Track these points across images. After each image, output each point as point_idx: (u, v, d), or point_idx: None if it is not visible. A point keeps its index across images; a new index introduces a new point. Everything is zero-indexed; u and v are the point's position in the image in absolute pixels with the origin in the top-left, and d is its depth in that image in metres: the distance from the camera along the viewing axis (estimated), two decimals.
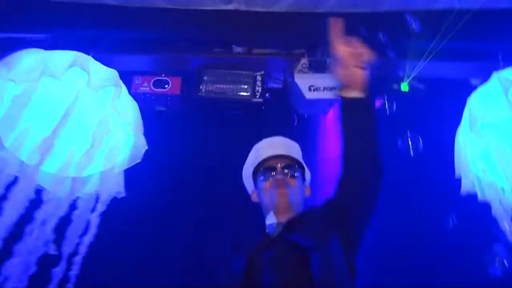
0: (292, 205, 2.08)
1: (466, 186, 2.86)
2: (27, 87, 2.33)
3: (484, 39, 3.40)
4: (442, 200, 3.08)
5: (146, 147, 2.73)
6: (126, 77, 3.02)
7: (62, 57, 2.45)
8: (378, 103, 3.40)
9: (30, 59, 2.41)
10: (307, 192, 2.28)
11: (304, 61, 3.03)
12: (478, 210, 2.80)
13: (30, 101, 2.32)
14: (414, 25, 2.99)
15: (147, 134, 2.78)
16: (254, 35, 3.25)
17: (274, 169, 2.16)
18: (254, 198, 2.29)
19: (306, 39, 3.23)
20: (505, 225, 2.56)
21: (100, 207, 2.59)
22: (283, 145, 2.32)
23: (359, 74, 1.78)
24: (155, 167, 2.97)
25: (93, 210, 2.60)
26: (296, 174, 2.17)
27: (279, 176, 2.12)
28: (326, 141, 3.45)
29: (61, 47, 2.69)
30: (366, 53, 1.80)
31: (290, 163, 2.20)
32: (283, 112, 3.30)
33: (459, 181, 2.84)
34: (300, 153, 2.36)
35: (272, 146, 2.30)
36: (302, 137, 3.13)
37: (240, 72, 3.05)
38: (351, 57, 1.75)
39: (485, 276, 2.40)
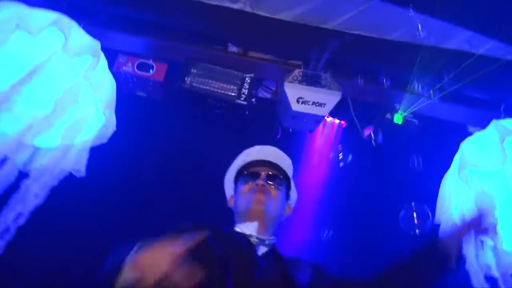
0: (267, 216, 1.90)
1: (444, 233, 2.69)
2: None
3: (489, 87, 3.29)
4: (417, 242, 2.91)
5: (115, 129, 2.56)
6: (112, 55, 2.88)
7: (43, 15, 2.28)
8: (367, 131, 3.29)
9: (8, 11, 2.24)
10: (288, 211, 2.11)
11: (298, 71, 2.89)
12: None
13: None
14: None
15: (120, 116, 2.62)
16: (253, 38, 3.13)
17: (258, 175, 1.99)
18: (231, 204, 2.10)
19: (305, 51, 3.10)
20: (476, 282, 2.37)
21: (51, 181, 2.41)
22: (274, 154, 2.15)
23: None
24: (122, 152, 2.79)
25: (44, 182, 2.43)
26: (280, 187, 2.01)
27: (261, 182, 1.95)
28: (309, 162, 3.29)
29: (51, 9, 2.56)
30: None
31: (276, 173, 2.04)
32: (268, 122, 3.15)
33: (438, 226, 2.68)
34: (291, 169, 2.18)
35: (263, 152, 2.14)
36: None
37: (229, 71, 2.91)
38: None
39: None
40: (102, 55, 2.54)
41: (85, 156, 2.63)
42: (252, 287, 1.62)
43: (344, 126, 3.40)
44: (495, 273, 2.47)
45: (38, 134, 2.25)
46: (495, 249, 2.46)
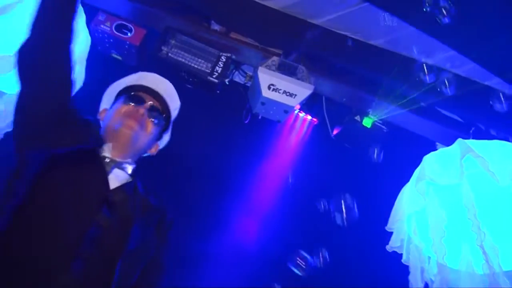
0: (132, 145, 1.82)
1: (394, 243, 2.70)
2: None
3: (462, 108, 3.31)
4: (367, 247, 2.92)
5: (82, 85, 2.51)
6: (93, 12, 2.84)
7: None
8: (335, 131, 3.29)
9: None
10: (154, 150, 2.03)
11: (276, 59, 2.88)
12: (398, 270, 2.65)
13: None
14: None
15: (90, 73, 2.57)
16: (237, 20, 3.10)
17: (142, 101, 1.89)
18: (101, 116, 2.04)
19: (288, 42, 3.09)
20: None
21: (5, 127, 2.37)
22: (168, 92, 2.04)
23: None
24: (83, 109, 2.73)
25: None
26: (157, 124, 1.92)
27: (142, 110, 1.85)
28: (273, 153, 3.27)
29: None
30: None
31: (160, 109, 1.94)
32: (239, 106, 3.11)
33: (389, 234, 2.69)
34: (177, 112, 2.11)
35: (157, 82, 2.02)
36: (249, 139, 2.96)
37: (206, 47, 2.88)
38: None
39: None
40: (80, 8, 2.48)
41: None
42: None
43: (315, 123, 3.40)
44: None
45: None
46: (438, 264, 2.48)
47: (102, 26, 2.84)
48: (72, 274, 1.46)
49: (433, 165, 2.60)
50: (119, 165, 1.78)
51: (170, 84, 2.09)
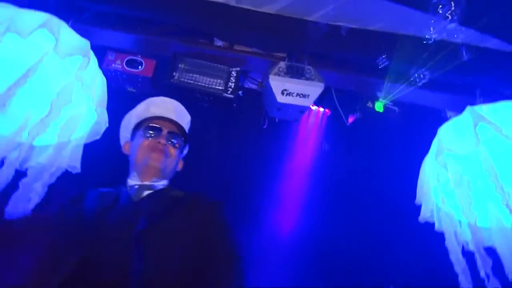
0: (162, 173, 2.04)
1: (424, 214, 2.84)
2: None
3: (465, 73, 3.42)
4: (401, 224, 3.06)
5: (107, 125, 2.64)
6: (101, 52, 2.94)
7: (33, 17, 2.33)
8: (351, 119, 3.42)
9: None
10: (180, 165, 2.24)
11: (282, 64, 3.00)
12: (434, 239, 2.79)
13: None
14: None
15: (112, 112, 2.69)
16: (238, 32, 3.21)
17: (160, 130, 2.09)
18: (126, 150, 2.24)
19: (290, 44, 3.20)
20: (454, 257, 2.54)
21: (49, 179, 2.49)
22: (177, 111, 2.25)
23: None
24: (115, 146, 2.88)
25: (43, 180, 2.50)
26: (178, 145, 2.13)
27: (162, 141, 2.06)
28: (295, 150, 3.41)
29: (38, 9, 2.60)
30: None
31: (177, 131, 2.14)
32: (254, 113, 3.25)
33: (419, 207, 2.83)
34: (189, 124, 2.31)
35: (166, 107, 2.22)
36: (270, 142, 3.08)
37: (216, 65, 3.01)
38: None
39: None
40: (92, 54, 2.59)
41: (79, 152, 2.70)
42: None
43: (328, 114, 3.53)
44: (471, 248, 2.64)
45: (36, 136, 2.32)
46: (470, 226, 2.62)
47: (113, 65, 2.97)
48: None
49: (449, 136, 2.73)
50: (150, 187, 1.98)
51: (177, 103, 2.29)
